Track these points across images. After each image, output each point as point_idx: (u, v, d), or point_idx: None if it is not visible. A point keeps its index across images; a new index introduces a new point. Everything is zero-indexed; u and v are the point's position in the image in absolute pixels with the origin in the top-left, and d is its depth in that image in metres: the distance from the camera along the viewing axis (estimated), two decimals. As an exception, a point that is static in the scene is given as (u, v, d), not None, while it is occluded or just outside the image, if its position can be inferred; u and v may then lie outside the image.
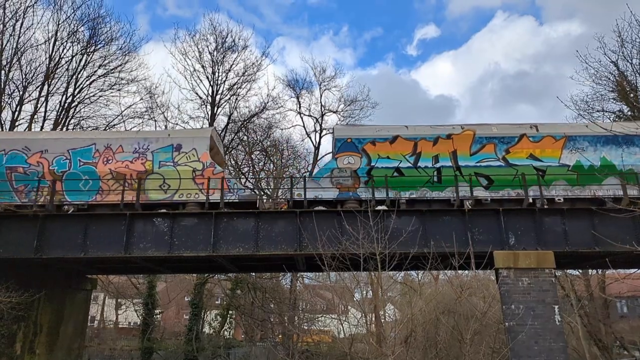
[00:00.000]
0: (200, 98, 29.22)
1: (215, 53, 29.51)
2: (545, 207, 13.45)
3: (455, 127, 14.87)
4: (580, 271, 25.72)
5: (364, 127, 15.65)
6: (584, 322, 25.92)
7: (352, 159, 14.40)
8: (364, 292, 36.21)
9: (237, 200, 14.00)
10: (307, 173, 28.90)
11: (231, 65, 29.81)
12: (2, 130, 22.90)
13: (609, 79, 24.07)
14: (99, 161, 14.43)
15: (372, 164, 14.30)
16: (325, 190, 13.96)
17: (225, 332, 33.26)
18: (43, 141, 14.73)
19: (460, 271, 16.28)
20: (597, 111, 24.54)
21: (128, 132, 14.95)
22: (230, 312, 31.94)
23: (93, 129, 25.41)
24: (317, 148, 32.40)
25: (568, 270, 24.35)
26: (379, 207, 13.24)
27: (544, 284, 12.58)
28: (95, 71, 26.45)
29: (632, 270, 19.12)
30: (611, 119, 24.01)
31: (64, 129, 24.99)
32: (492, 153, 14.36)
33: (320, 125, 32.69)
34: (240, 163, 31.09)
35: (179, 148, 14.57)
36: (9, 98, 24.14)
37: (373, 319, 26.74)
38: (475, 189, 13.68)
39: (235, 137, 29.97)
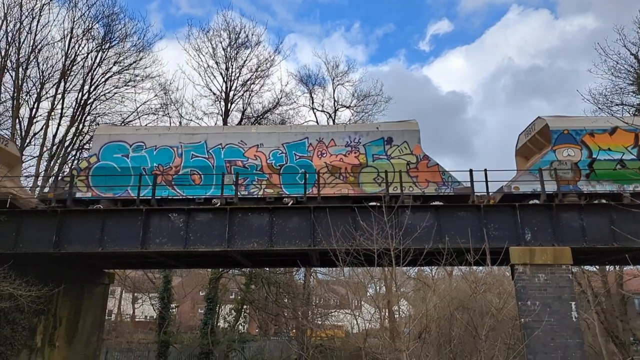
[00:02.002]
0: (214, 94, 29.42)
1: (228, 49, 29.66)
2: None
3: None
4: (597, 267, 25.36)
5: (577, 118, 15.50)
6: (600, 318, 25.57)
7: (571, 151, 14.20)
8: (378, 287, 36.22)
9: (452, 194, 13.99)
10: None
11: (244, 61, 29.95)
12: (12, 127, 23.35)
13: (629, 71, 23.57)
14: (313, 155, 14.64)
15: (593, 156, 14.05)
16: (547, 183, 13.55)
17: (240, 327, 33.60)
18: (257, 135, 14.98)
19: (475, 267, 16.19)
20: (616, 105, 24.08)
21: (338, 125, 15.32)
22: (244, 306, 32.21)
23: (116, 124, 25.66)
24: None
25: (585, 267, 24.02)
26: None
27: (561, 280, 12.44)
28: (110, 68, 26.81)
29: (652, 267, 18.78)
30: (631, 112, 23.52)
31: (80, 125, 25.39)
32: None
33: (334, 121, 32.63)
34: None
35: (390, 141, 14.66)
36: (26, 95, 24.59)
37: (386, 314, 26.75)
38: None
39: (249, 132, 30.05)
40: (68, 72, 25.43)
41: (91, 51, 26.09)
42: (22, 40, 24.38)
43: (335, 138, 14.77)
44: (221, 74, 29.48)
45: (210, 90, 29.50)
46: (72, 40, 25.58)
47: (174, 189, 14.21)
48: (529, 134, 15.73)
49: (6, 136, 18.45)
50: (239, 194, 13.91)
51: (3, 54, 23.74)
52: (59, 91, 25.29)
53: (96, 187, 14.16)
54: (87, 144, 25.12)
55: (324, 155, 14.59)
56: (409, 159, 14.38)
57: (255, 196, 14.06)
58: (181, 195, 13.95)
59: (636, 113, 23.32)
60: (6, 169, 15.45)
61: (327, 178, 14.12)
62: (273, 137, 14.88)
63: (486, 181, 13.44)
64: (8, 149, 15.80)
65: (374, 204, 13.00)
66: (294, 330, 31.96)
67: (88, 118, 26.17)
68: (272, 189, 14.04)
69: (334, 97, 33.16)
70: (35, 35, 24.76)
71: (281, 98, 31.23)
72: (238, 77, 29.74)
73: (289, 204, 13.61)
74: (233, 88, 29.47)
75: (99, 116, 26.65)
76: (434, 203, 13.69)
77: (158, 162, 14.57)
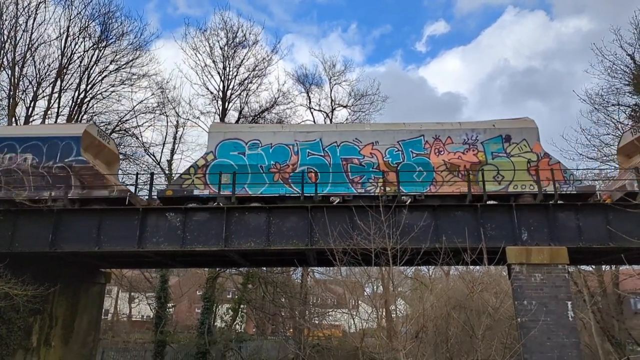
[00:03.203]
0: (212, 93, 29.36)
1: (226, 48, 29.60)
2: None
3: None
4: (594, 267, 25.44)
5: None
6: (597, 318, 25.65)
7: None
8: (375, 287, 36.25)
9: (574, 192, 13.78)
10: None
11: (242, 61, 29.89)
12: (17, 124, 23.22)
13: (625, 72, 23.63)
14: (430, 152, 14.50)
15: None
16: None
17: (237, 326, 33.54)
18: (372, 133, 14.86)
19: (471, 267, 16.21)
20: (613, 105, 24.14)
21: (453, 123, 15.15)
22: (241, 306, 32.17)
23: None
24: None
25: (581, 266, 24.09)
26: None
27: (557, 280, 12.48)
28: (107, 67, 26.70)
29: (648, 266, 18.84)
30: (627, 112, 23.61)
31: (79, 123, 25.26)
32: None
33: (331, 120, 32.62)
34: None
35: (509, 139, 14.48)
36: (22, 94, 24.49)
37: (384, 313, 26.75)
38: None
39: (246, 132, 30.01)
40: (64, 71, 25.32)
41: (88, 49, 26.00)
42: (18, 38, 24.28)
43: (452, 135, 14.60)
44: (218, 73, 29.45)
45: (208, 89, 29.49)
46: (69, 38, 25.48)
47: (291, 186, 14.12)
48: (635, 132, 15.45)
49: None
50: (355, 191, 13.88)
51: (-1, 52, 23.63)
52: (56, 90, 25.19)
53: (213, 185, 14.13)
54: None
55: (442, 153, 14.43)
56: (529, 156, 14.19)
57: (372, 194, 13.89)
58: (298, 193, 13.85)
59: (632, 113, 23.41)
60: (105, 166, 15.51)
61: (445, 176, 13.98)
62: (388, 134, 14.75)
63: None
64: (110, 146, 15.94)
65: (492, 202, 12.98)
66: (291, 330, 31.97)
67: (85, 117, 26.07)
68: (389, 187, 13.89)
69: (331, 97, 33.21)
70: (32, 33, 24.67)
71: (278, 97, 31.25)
72: (235, 76, 29.73)
73: (407, 202, 13.41)
74: (230, 87, 29.46)
75: (95, 115, 26.57)
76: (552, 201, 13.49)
77: (275, 160, 14.51)
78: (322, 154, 14.60)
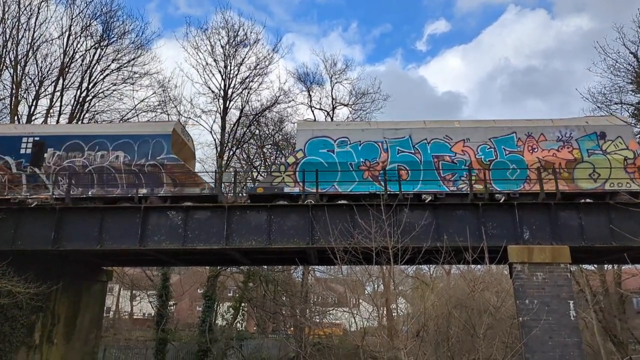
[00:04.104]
0: (213, 92, 29.34)
1: (227, 47, 29.56)
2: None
3: None
4: (596, 266, 25.38)
5: None
6: (599, 317, 25.61)
7: None
8: (376, 285, 36.27)
9: None
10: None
11: (243, 59, 29.86)
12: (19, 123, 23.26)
13: (628, 70, 23.55)
14: (524, 150, 14.32)
15: None
16: None
17: (238, 324, 33.62)
18: (463, 130, 14.74)
19: (473, 266, 16.18)
20: (615, 103, 24.05)
21: (544, 120, 14.97)
22: (242, 304, 32.22)
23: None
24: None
25: (583, 265, 24.04)
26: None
27: (559, 279, 12.45)
28: (109, 65, 26.74)
29: (650, 266, 18.79)
30: (630, 111, 23.53)
31: (79, 123, 25.31)
32: None
33: (332, 119, 32.58)
34: (252, 157, 31.21)
35: (604, 136, 14.26)
36: (25, 92, 24.52)
37: (385, 312, 26.76)
38: None
39: (247, 130, 30.07)
40: (66, 69, 25.37)
41: (89, 48, 26.05)
42: (20, 37, 24.31)
43: (545, 132, 14.41)
44: (220, 71, 29.43)
45: (209, 88, 29.47)
46: (71, 37, 25.52)
47: (381, 184, 14.02)
48: None
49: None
50: (447, 189, 13.76)
51: (1, 50, 23.66)
52: (58, 88, 25.27)
53: (303, 182, 14.12)
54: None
55: (536, 150, 14.23)
56: (625, 154, 13.95)
57: (464, 192, 13.81)
58: (389, 191, 13.77)
59: (635, 112, 23.33)
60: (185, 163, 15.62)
61: (538, 174, 13.73)
62: (479, 131, 14.58)
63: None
64: (189, 144, 16.13)
65: (588, 201, 12.84)
66: (292, 328, 31.98)
67: (87, 115, 26.13)
68: (481, 185, 13.76)
69: (331, 95, 33.13)
70: (34, 32, 24.70)
71: (279, 96, 31.22)
72: (237, 75, 29.70)
73: (501, 200, 13.33)
74: (231, 86, 29.43)
75: (97, 113, 26.63)
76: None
77: (364, 158, 14.42)
78: (413, 151, 14.47)
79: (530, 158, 14.11)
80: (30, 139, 14.90)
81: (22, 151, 14.76)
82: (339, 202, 13.77)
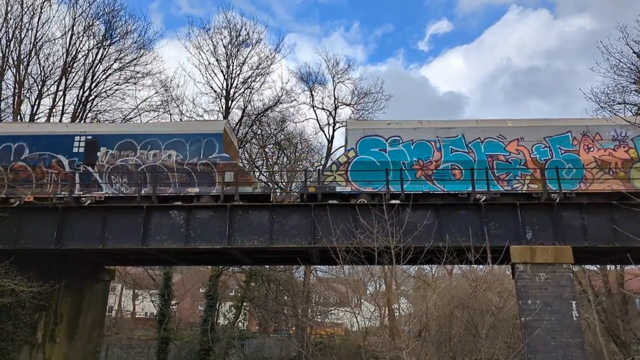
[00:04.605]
0: (215, 92, 29.33)
1: (229, 47, 29.54)
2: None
3: None
4: (598, 266, 25.30)
5: None
6: (601, 318, 25.53)
7: None
8: (378, 285, 36.24)
9: None
10: (320, 167, 28.80)
11: (245, 59, 29.84)
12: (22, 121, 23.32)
13: (631, 69, 23.45)
14: (579, 149, 14.18)
15: None
16: None
17: (240, 324, 33.62)
18: (516, 129, 14.59)
19: (475, 266, 16.16)
20: (619, 103, 23.96)
21: (599, 119, 14.97)
22: (244, 304, 32.24)
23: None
24: (330, 141, 32.33)
25: (586, 266, 23.98)
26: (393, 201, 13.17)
27: (562, 280, 12.42)
28: (111, 65, 26.76)
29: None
30: (633, 111, 23.44)
31: (82, 122, 25.37)
32: None
33: (334, 118, 32.59)
34: (254, 156, 31.23)
35: None
36: (27, 92, 24.58)
37: (386, 312, 26.75)
38: None
39: (249, 130, 30.08)
40: (69, 69, 25.40)
41: (92, 48, 26.05)
42: (22, 36, 24.36)
43: (600, 132, 14.22)
44: (222, 71, 29.42)
45: (211, 87, 29.45)
46: (73, 37, 25.56)
47: (434, 183, 13.99)
48: None
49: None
50: (502, 189, 13.65)
51: (4, 50, 23.73)
52: (60, 88, 25.28)
53: (355, 182, 14.10)
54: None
55: (591, 150, 14.07)
56: None
57: (519, 192, 13.74)
58: (442, 190, 13.76)
59: (638, 112, 23.24)
60: None
61: (595, 173, 13.73)
62: (533, 130, 14.42)
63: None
64: (234, 143, 16.23)
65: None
66: (294, 328, 31.98)
67: (89, 115, 26.18)
68: (537, 184, 13.69)
69: (334, 95, 33.09)
70: (37, 32, 24.75)
71: (282, 96, 31.19)
72: (239, 75, 29.68)
73: (556, 200, 13.20)
74: (234, 85, 29.41)
75: (100, 113, 26.66)
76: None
77: (417, 157, 14.36)
78: (466, 150, 14.40)
79: (587, 157, 13.95)
80: (83, 138, 14.93)
81: (75, 150, 14.79)
82: (391, 202, 13.44)
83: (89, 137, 14.94)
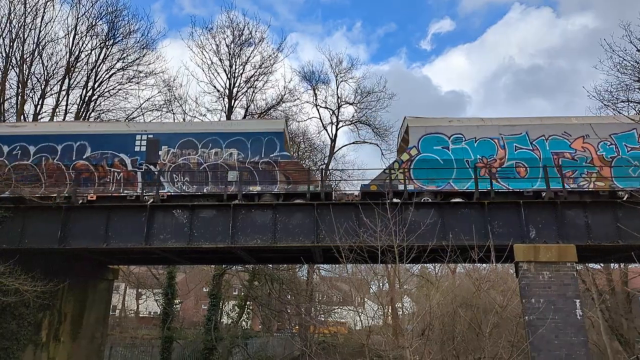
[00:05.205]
0: (218, 91, 29.36)
1: (232, 46, 29.53)
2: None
3: None
4: (602, 265, 25.22)
5: None
6: (605, 316, 25.47)
7: None
8: (381, 284, 36.25)
9: None
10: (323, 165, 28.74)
11: (248, 58, 29.83)
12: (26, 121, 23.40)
13: (635, 67, 23.34)
14: None
15: None
16: None
17: (243, 323, 33.69)
18: (581, 126, 14.48)
19: (478, 264, 16.11)
20: (622, 101, 23.87)
21: None
22: (247, 303, 32.29)
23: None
24: (333, 140, 32.34)
25: (589, 264, 23.91)
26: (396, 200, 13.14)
27: (565, 278, 12.39)
28: (114, 64, 26.78)
29: (658, 265, 18.66)
30: (637, 109, 23.34)
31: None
32: None
33: (337, 117, 32.59)
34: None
35: None
36: (31, 92, 24.65)
37: (390, 311, 26.74)
38: None
39: (252, 129, 30.02)
40: (72, 69, 25.44)
41: (95, 48, 26.09)
42: (26, 36, 24.43)
43: None
44: (225, 70, 29.43)
45: (214, 86, 29.48)
46: (76, 36, 25.60)
47: (498, 181, 13.90)
48: None
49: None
50: (568, 187, 13.48)
51: (8, 50, 23.80)
52: (64, 87, 25.33)
53: (418, 180, 14.01)
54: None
55: None
56: None
57: (585, 189, 13.66)
58: (507, 188, 13.69)
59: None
60: None
61: None
62: (598, 127, 14.23)
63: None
64: (289, 142, 16.31)
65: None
66: (297, 327, 32.06)
67: (92, 114, 26.21)
68: (604, 182, 13.60)
69: (337, 94, 33.11)
70: (40, 31, 24.80)
71: (285, 95, 31.20)
72: (242, 74, 29.66)
73: (624, 198, 13.09)
74: (237, 85, 29.42)
75: (103, 112, 26.70)
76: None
77: (481, 154, 14.29)
78: (531, 148, 14.30)
79: None
80: (144, 137, 15.01)
81: (137, 149, 14.86)
82: (455, 200, 13.56)
83: (150, 136, 15.00)
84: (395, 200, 13.16)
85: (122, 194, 14.30)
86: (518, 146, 14.30)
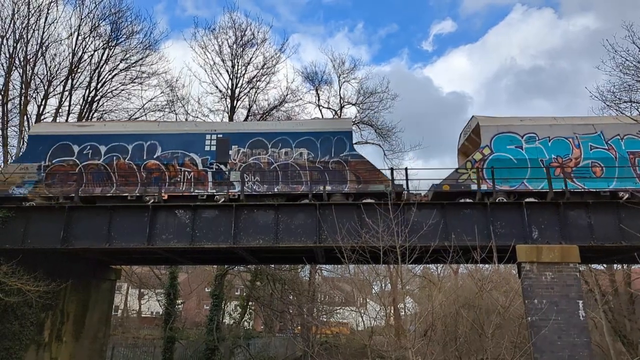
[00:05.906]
0: (220, 91, 29.39)
1: (234, 46, 29.57)
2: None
3: None
4: (605, 266, 25.13)
5: None
6: (608, 317, 25.38)
7: None
8: (383, 285, 36.21)
9: None
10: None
11: (250, 59, 29.85)
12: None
13: (637, 68, 23.26)
14: None
15: None
16: None
17: (245, 323, 33.69)
18: None
19: (481, 265, 16.08)
20: (625, 102, 23.80)
21: None
22: (249, 303, 32.30)
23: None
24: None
25: (592, 265, 23.83)
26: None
27: (568, 279, 12.35)
28: (117, 65, 26.84)
29: (661, 265, 18.58)
30: (639, 109, 23.26)
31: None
32: None
33: (339, 118, 32.52)
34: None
35: None
36: (34, 92, 24.72)
37: (392, 312, 26.72)
38: None
39: (254, 130, 30.04)
40: (75, 69, 25.51)
41: (98, 48, 26.16)
42: (29, 37, 24.50)
43: None
44: (227, 71, 29.45)
45: (217, 87, 29.52)
46: (79, 37, 25.67)
47: (573, 181, 13.79)
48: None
49: None
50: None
51: (11, 50, 23.88)
52: (67, 88, 25.40)
53: (490, 179, 13.85)
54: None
55: None
56: None
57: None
58: (582, 188, 13.60)
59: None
60: None
61: None
62: None
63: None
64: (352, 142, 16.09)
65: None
66: (299, 327, 32.02)
67: (95, 115, 26.28)
68: None
69: (339, 94, 33.10)
70: (43, 32, 24.87)
71: (287, 95, 31.19)
72: (244, 75, 29.69)
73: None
74: (239, 85, 29.43)
75: (105, 113, 26.75)
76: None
77: (555, 154, 14.18)
78: (606, 147, 14.18)
79: None
80: (214, 136, 15.03)
81: (207, 148, 14.88)
82: (528, 200, 13.38)
83: (220, 136, 15.02)
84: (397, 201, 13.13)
85: (193, 194, 14.35)
86: (593, 145, 14.20)
